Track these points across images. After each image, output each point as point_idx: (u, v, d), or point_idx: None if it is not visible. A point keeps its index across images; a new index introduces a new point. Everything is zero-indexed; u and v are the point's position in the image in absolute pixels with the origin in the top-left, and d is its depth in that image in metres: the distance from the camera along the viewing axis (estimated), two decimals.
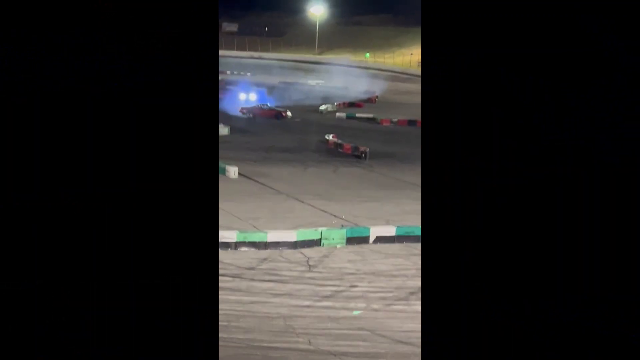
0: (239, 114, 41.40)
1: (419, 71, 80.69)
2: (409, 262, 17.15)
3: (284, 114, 42.09)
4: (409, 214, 21.32)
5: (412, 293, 15.02)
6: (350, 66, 70.73)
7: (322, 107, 46.66)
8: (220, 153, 30.31)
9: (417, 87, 62.54)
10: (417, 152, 27.22)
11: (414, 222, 19.64)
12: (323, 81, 64.22)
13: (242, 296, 14.48)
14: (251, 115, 41.44)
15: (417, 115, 43.40)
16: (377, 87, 58.09)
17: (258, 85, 51.69)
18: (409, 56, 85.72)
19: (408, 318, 13.69)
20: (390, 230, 18.75)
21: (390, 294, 14.93)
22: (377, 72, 70.92)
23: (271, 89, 51.37)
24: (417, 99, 44.08)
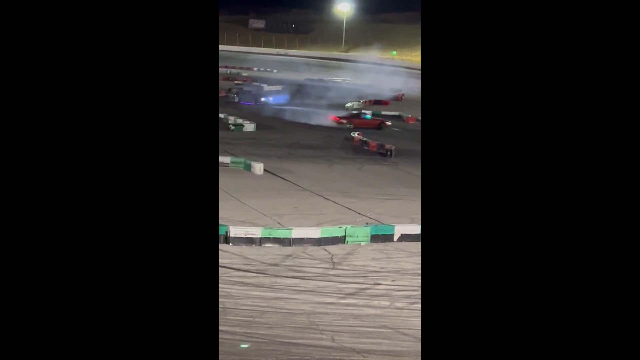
0: (332, 124, 38.08)
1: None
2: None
3: (386, 124, 38.93)
4: None
5: None
6: (377, 64, 70.51)
7: (348, 105, 46.61)
8: (247, 149, 30.37)
9: None
10: None
11: None
12: (350, 78, 64.14)
13: (266, 292, 14.52)
14: (351, 125, 37.56)
15: None
16: (403, 85, 57.87)
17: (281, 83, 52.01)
18: None
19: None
20: (414, 229, 18.69)
21: (414, 293, 14.88)
22: (403, 69, 70.66)
23: (300, 87, 51.36)
24: None
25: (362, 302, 14.33)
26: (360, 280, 15.62)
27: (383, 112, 44.37)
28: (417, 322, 13.39)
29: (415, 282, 15.53)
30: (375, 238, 18.32)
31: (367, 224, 19.29)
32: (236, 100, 45.67)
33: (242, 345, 11.93)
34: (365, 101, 49.31)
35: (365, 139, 32.76)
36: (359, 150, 31.63)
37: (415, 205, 22.11)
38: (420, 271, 16.30)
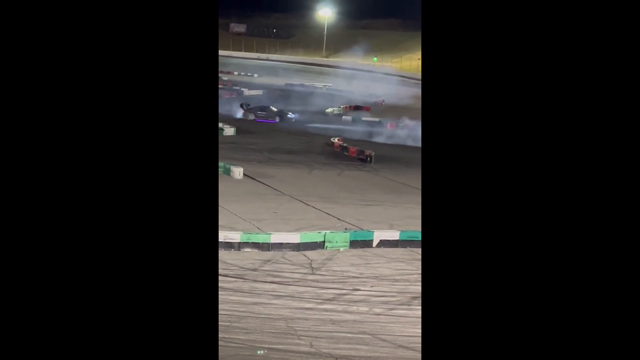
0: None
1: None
2: (411, 267, 17.14)
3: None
4: (412, 218, 21.30)
5: (414, 298, 15.00)
6: (358, 70, 70.68)
7: (329, 110, 46.65)
8: (226, 154, 30.20)
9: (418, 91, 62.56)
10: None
11: (418, 227, 19.61)
12: (331, 84, 64.21)
13: (244, 297, 14.48)
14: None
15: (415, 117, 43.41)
16: (384, 91, 58.03)
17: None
18: (417, 60, 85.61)
19: (409, 323, 13.67)
20: (393, 235, 18.74)
21: (393, 299, 14.92)
22: (384, 75, 70.86)
23: (288, 92, 50.80)
24: (417, 103, 43.54)
25: (340, 307, 14.33)
26: (339, 285, 15.63)
27: (364, 118, 44.46)
28: (395, 328, 13.43)
29: (394, 288, 15.58)
30: (354, 244, 18.33)
31: (346, 229, 19.30)
32: (251, 117, 40.91)
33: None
34: (346, 107, 49.38)
35: (345, 144, 32.79)
36: (339, 156, 31.66)
37: (394, 212, 22.19)
38: (398, 277, 16.39)
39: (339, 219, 20.82)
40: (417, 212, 23.39)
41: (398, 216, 21.51)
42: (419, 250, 18.29)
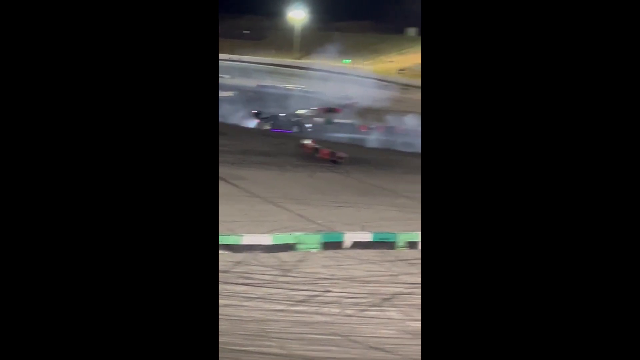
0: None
1: (398, 78, 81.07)
2: (382, 268, 17.20)
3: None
4: (384, 220, 21.41)
5: (385, 299, 15.05)
6: (330, 71, 70.78)
7: (301, 112, 46.64)
8: None
9: (395, 94, 62.81)
10: (394, 158, 27.41)
11: (389, 229, 19.71)
12: (303, 86, 64.24)
13: None
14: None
15: (394, 122, 43.60)
16: (356, 93, 58.16)
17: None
18: (389, 63, 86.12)
19: (381, 324, 13.71)
20: (365, 236, 18.78)
21: (364, 300, 14.95)
22: (356, 77, 71.06)
23: (262, 94, 50.31)
24: (396, 106, 44.28)
25: (312, 309, 14.32)
26: (311, 287, 15.62)
27: (335, 120, 44.55)
28: (366, 329, 13.45)
29: (365, 290, 15.61)
30: (326, 245, 18.34)
31: (317, 231, 19.31)
32: (265, 128, 39.32)
33: None
34: (319, 109, 49.42)
35: (317, 146, 32.81)
36: (311, 158, 31.68)
37: (366, 213, 22.24)
38: (370, 278, 16.42)
39: (311, 221, 20.82)
40: (389, 213, 23.49)
41: (370, 218, 21.57)
42: (391, 251, 18.38)
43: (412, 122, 43.27)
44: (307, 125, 39.94)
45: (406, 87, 74.53)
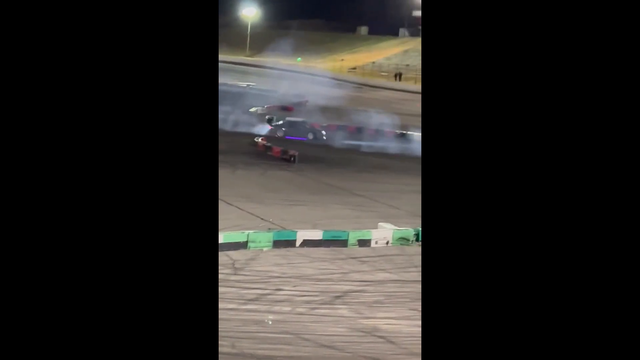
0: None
1: (349, 77, 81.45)
2: (334, 266, 17.25)
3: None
4: (336, 218, 21.48)
5: (337, 297, 15.09)
6: (282, 69, 70.73)
7: (252, 110, 46.47)
8: None
9: (347, 92, 63.09)
10: (347, 156, 27.58)
11: (341, 227, 19.78)
12: (254, 83, 64.02)
13: None
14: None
15: (346, 120, 43.77)
16: (307, 91, 58.22)
17: None
18: (340, 62, 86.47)
19: (332, 322, 13.75)
20: (317, 234, 18.81)
21: (316, 298, 14.96)
22: (308, 76, 71.13)
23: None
24: (346, 104, 44.63)
25: (263, 307, 14.28)
26: (262, 285, 15.57)
27: (288, 118, 44.53)
28: (318, 327, 13.47)
29: (316, 288, 15.63)
30: (277, 243, 18.31)
31: (269, 229, 19.26)
32: (279, 134, 37.30)
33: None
34: (270, 106, 49.31)
35: (269, 144, 32.73)
36: (263, 156, 31.59)
37: (318, 211, 22.27)
38: (321, 276, 16.45)
39: (262, 219, 20.76)
40: (341, 211, 23.56)
41: (322, 216, 21.61)
42: (342, 249, 18.44)
43: (373, 121, 43.55)
44: (323, 132, 37.85)
45: (359, 85, 74.89)
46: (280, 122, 39.00)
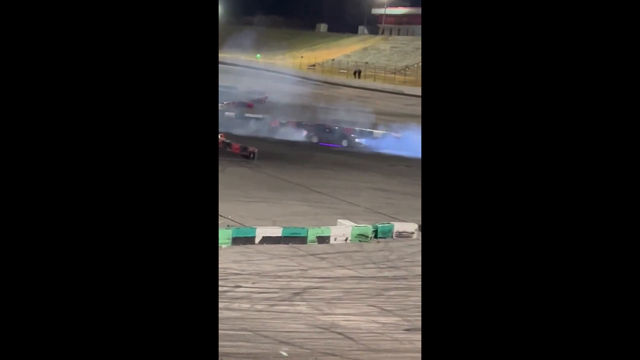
0: None
1: (308, 74, 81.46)
2: (293, 263, 17.27)
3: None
4: (295, 215, 21.50)
5: (296, 294, 15.12)
6: (241, 66, 70.41)
7: None
8: None
9: (307, 89, 63.12)
10: (305, 153, 27.53)
11: (300, 224, 19.81)
12: None
13: None
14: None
15: (305, 117, 43.79)
16: (267, 88, 58.10)
17: None
18: (299, 58, 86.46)
19: (291, 318, 13.77)
20: (276, 231, 18.81)
21: (275, 295, 14.97)
22: (267, 72, 71.00)
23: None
24: (307, 101, 44.53)
25: (222, 304, 14.22)
26: (221, 283, 15.50)
27: (247, 115, 44.37)
28: (277, 324, 13.48)
29: (275, 284, 15.64)
30: (236, 240, 18.27)
31: (228, 226, 19.19)
32: (314, 140, 36.30)
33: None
34: (229, 103, 49.09)
35: (228, 140, 32.60)
36: (222, 152, 31.41)
37: (278, 208, 22.27)
38: (280, 273, 16.46)
39: (221, 216, 20.68)
40: (300, 208, 23.55)
41: (281, 213, 21.61)
42: (301, 246, 18.48)
43: (335, 118, 43.62)
44: (357, 141, 36.23)
45: (319, 83, 74.94)
46: (314, 128, 37.65)
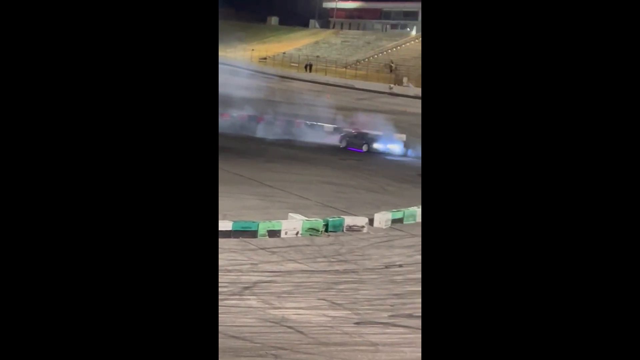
0: None
1: (260, 67, 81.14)
2: (243, 257, 17.20)
3: None
4: (246, 209, 21.40)
5: (246, 288, 15.06)
6: None
7: None
8: None
9: (257, 82, 62.84)
10: (256, 147, 27.37)
11: (251, 217, 19.73)
12: None
13: None
14: None
15: (256, 110, 43.58)
16: (222, 81, 57.51)
17: None
18: (250, 51, 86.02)
19: (241, 313, 13.72)
20: (226, 225, 18.70)
21: (225, 289, 14.88)
22: (229, 68, 70.45)
23: None
24: (258, 94, 44.21)
25: None
26: None
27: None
28: (227, 318, 13.41)
29: (226, 279, 15.55)
30: None
31: None
32: (342, 145, 36.74)
33: None
34: None
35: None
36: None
37: (227, 202, 22.11)
38: (230, 267, 16.37)
39: None
40: (250, 202, 23.39)
41: (231, 206, 21.47)
42: (251, 240, 18.41)
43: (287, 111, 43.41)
44: (375, 146, 36.20)
45: (270, 76, 74.74)
46: (348, 133, 37.97)
